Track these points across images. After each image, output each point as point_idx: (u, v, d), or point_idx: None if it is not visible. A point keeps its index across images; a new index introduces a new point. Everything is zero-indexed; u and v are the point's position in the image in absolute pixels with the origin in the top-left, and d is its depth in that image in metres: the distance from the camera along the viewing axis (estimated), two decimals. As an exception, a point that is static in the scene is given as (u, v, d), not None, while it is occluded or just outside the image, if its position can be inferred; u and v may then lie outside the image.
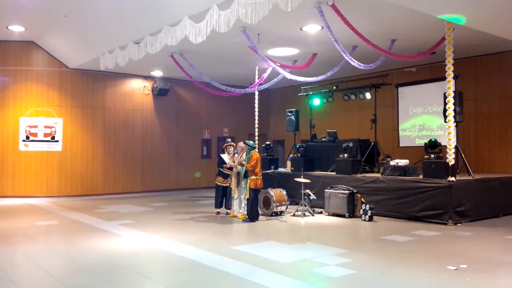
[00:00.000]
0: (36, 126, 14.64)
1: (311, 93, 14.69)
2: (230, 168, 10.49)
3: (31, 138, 14.58)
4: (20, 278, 5.71)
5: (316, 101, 14.61)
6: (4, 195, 14.17)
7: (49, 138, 14.75)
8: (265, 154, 13.93)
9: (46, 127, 14.73)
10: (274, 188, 11.02)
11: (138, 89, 16.54)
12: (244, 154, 10.13)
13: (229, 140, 12.36)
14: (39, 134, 14.67)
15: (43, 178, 14.66)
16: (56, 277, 5.70)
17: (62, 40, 13.79)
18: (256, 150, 10.53)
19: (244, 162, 9.94)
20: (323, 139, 13.54)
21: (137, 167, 16.36)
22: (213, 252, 6.90)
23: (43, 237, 8.30)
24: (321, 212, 10.85)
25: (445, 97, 9.71)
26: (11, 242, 7.81)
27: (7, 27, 12.80)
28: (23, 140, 14.52)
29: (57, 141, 14.85)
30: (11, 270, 6.04)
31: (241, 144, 10.38)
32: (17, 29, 13.04)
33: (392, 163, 10.78)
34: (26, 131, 14.55)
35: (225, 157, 10.64)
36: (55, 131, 14.85)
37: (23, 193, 14.36)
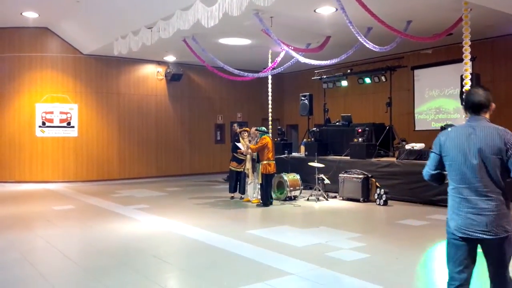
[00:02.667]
0: (52, 112, 14.79)
1: (324, 76, 14.54)
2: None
3: (47, 124, 14.75)
4: (39, 262, 5.82)
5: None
6: (22, 180, 14.42)
7: (65, 124, 14.91)
8: (278, 139, 13.91)
9: (61, 113, 14.88)
10: (288, 172, 11.01)
11: (152, 74, 16.56)
12: (256, 140, 10.14)
13: (235, 125, 12.86)
14: (55, 120, 14.82)
15: (60, 164, 14.87)
16: (74, 260, 5.80)
17: (76, 26, 13.83)
18: (269, 135, 10.47)
19: (250, 144, 9.97)
20: (337, 123, 13.43)
21: (151, 152, 16.49)
22: (227, 236, 6.94)
23: (61, 221, 8.44)
24: (335, 197, 10.82)
25: (461, 80, 9.53)
26: (30, 226, 7.96)
27: (21, 14, 12.87)
28: (40, 126, 14.70)
29: (72, 126, 15.00)
30: (30, 254, 6.17)
31: (253, 130, 10.38)
32: (31, 15, 13.10)
33: (407, 147, 10.66)
34: (42, 117, 14.72)
35: (239, 144, 10.63)
36: (70, 117, 14.99)
37: (40, 178, 14.59)
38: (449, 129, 3.27)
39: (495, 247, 3.00)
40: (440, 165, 3.25)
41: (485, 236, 2.97)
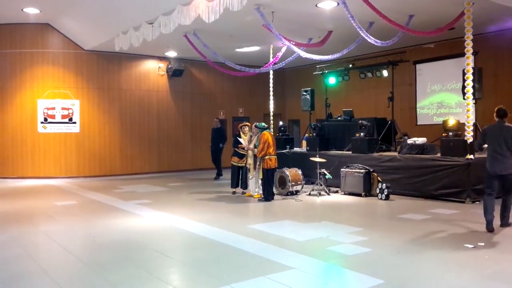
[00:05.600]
0: (53, 108, 14.81)
1: (326, 71, 14.51)
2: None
3: (49, 120, 14.77)
4: (42, 257, 5.85)
5: (332, 80, 14.38)
6: (24, 176, 14.47)
7: (66, 120, 14.93)
8: (280, 134, 13.90)
9: (63, 108, 14.90)
10: (289, 167, 11.02)
11: (153, 70, 16.56)
12: (256, 136, 10.14)
13: (216, 119, 14.15)
14: (57, 116, 14.85)
15: (62, 159, 14.90)
16: (76, 255, 5.83)
17: (77, 21, 13.82)
18: (269, 130, 10.44)
19: (255, 149, 9.97)
20: (339, 118, 13.42)
21: (153, 148, 16.51)
22: (229, 231, 6.96)
23: (63, 216, 8.47)
24: (337, 191, 10.82)
25: (464, 74, 9.51)
26: (32, 222, 7.99)
27: (22, 10, 12.87)
28: (41, 122, 14.73)
29: (74, 122, 15.02)
30: (32, 249, 6.20)
31: (253, 127, 10.38)
32: (32, 11, 13.10)
33: (409, 141, 10.65)
34: (44, 113, 14.74)
35: (241, 139, 10.63)
36: (72, 113, 15.01)
37: (42, 174, 14.64)
38: (489, 125, 7.04)
39: (509, 179, 6.66)
40: (484, 142, 6.87)
41: (504, 173, 6.62)
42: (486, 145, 6.86)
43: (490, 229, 6.57)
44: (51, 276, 4.92)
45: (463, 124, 9.56)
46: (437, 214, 8.09)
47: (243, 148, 10.52)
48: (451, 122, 9.87)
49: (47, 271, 5.09)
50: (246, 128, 10.71)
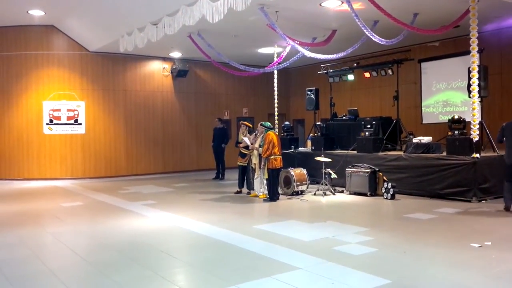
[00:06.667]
0: (59, 110, 14.87)
1: (330, 70, 14.47)
2: (246, 147, 10.53)
3: (55, 121, 14.83)
4: (49, 258, 5.88)
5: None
6: (30, 178, 14.54)
7: (72, 121, 14.99)
8: (284, 134, 13.89)
9: (69, 110, 14.95)
10: (294, 167, 11.00)
11: (158, 70, 16.59)
12: (261, 136, 10.13)
13: (217, 120, 14.40)
14: (62, 118, 14.90)
15: (68, 161, 14.96)
16: (82, 256, 5.85)
17: (81, 23, 13.87)
18: (274, 130, 10.46)
19: (260, 149, 9.97)
20: (344, 117, 13.38)
21: (158, 149, 16.54)
22: (235, 231, 6.96)
23: (69, 217, 8.51)
24: (342, 191, 10.80)
25: (469, 72, 9.46)
26: (39, 223, 8.03)
27: (27, 12, 12.93)
28: (47, 124, 14.79)
29: (80, 124, 15.08)
30: (39, 250, 6.23)
31: (259, 126, 10.38)
32: (37, 14, 13.16)
33: (415, 140, 10.61)
34: (49, 114, 14.80)
35: (245, 138, 10.63)
36: (77, 114, 15.06)
37: (48, 175, 14.70)
38: (507, 122, 8.17)
39: None
40: (503, 136, 8.09)
41: None
42: (504, 138, 8.06)
43: (506, 207, 8.00)
44: (58, 277, 4.94)
45: (469, 122, 9.51)
46: (443, 214, 8.05)
47: (246, 147, 10.53)
48: (457, 120, 9.82)
49: (55, 272, 5.11)
50: (245, 128, 10.82)
